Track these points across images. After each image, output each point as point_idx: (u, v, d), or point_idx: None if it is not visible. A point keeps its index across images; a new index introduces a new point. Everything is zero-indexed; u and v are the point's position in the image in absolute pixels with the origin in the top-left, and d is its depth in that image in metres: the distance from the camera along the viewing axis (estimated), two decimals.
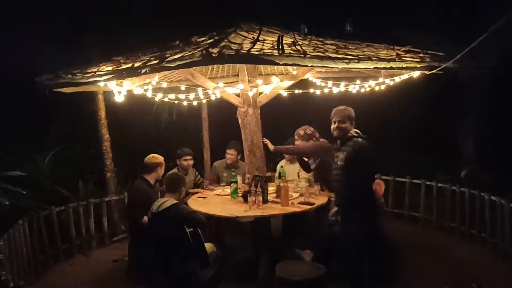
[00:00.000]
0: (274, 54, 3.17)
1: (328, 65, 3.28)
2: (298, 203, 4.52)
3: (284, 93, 5.16)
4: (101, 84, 3.82)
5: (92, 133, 6.66)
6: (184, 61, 3.10)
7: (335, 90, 5.33)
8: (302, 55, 3.23)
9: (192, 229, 3.84)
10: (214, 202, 4.84)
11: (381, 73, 4.62)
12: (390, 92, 5.66)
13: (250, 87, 4.66)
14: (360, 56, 3.55)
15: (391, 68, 3.51)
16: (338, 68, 3.36)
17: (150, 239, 3.99)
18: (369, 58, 3.50)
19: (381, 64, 3.46)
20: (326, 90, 5.40)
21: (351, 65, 3.35)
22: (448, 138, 6.82)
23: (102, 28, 6.64)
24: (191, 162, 5.66)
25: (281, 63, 3.12)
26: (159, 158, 4.81)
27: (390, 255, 4.41)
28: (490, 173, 6.26)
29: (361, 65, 3.39)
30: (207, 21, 5.81)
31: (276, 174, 5.69)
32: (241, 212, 4.28)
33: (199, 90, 5.20)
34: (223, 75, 6.40)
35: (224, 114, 7.90)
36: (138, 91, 5.13)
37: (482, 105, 6.50)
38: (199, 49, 3.30)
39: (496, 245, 5.17)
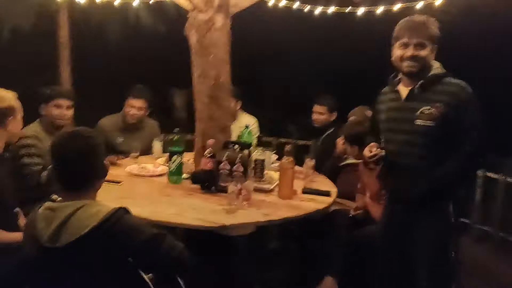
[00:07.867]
0: None
1: None
2: (303, 192, 2.52)
3: None
4: None
5: None
6: None
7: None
8: None
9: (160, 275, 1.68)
10: (146, 192, 2.45)
11: None
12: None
13: None
14: None
15: None
16: None
17: None
18: None
19: None
20: None
21: None
22: None
23: None
24: (72, 111, 2.96)
25: None
26: (6, 97, 2.16)
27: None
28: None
29: None
30: None
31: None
32: (223, 215, 2.09)
33: None
34: None
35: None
36: None
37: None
38: None
39: None
